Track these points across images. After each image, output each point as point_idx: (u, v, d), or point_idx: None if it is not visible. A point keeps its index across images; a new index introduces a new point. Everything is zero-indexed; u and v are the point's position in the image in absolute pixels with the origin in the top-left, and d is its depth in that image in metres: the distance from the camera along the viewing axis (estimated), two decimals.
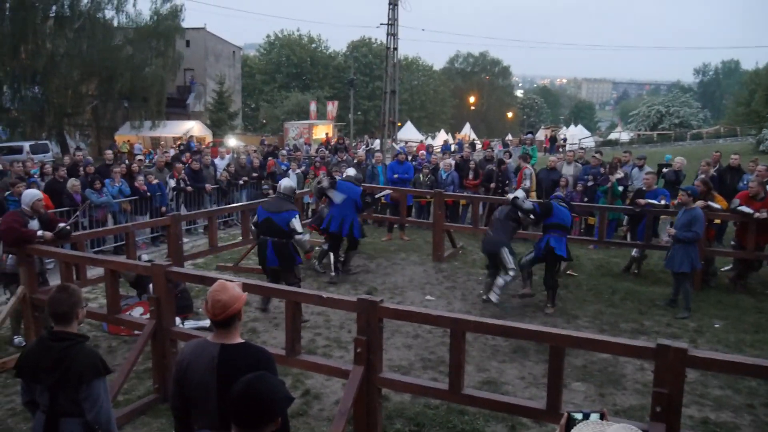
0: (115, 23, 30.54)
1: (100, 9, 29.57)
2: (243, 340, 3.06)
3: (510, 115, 74.89)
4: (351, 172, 10.21)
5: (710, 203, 9.21)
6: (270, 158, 16.78)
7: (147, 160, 22.08)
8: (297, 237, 7.77)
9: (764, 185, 9.19)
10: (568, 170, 13.38)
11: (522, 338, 4.71)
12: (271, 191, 14.60)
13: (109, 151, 13.61)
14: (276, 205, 7.89)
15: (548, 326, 5.15)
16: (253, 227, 8.14)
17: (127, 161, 15.78)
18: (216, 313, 3.00)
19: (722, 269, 10.10)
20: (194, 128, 35.42)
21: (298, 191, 10.22)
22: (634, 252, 10.22)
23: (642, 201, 9.87)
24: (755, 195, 9.09)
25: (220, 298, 3.00)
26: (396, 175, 13.10)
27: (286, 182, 8.24)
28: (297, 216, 7.82)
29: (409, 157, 14.76)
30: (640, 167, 12.68)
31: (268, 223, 7.74)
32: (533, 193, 12.59)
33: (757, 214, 8.90)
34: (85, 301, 3.68)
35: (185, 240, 10.51)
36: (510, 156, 14.98)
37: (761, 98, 40.81)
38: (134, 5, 37.77)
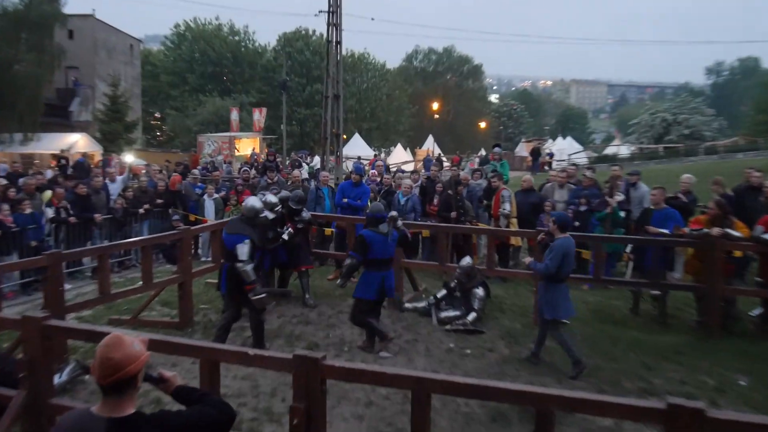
0: None
1: None
2: (135, 411, 3.02)
3: (483, 125, 76.34)
4: (248, 203, 9.39)
5: (728, 230, 9.56)
6: (174, 174, 16.67)
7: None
8: (237, 265, 8.48)
9: None
10: (561, 195, 13.67)
11: (502, 401, 4.76)
12: (177, 221, 14.48)
13: None
14: (233, 226, 8.87)
15: (534, 386, 5.22)
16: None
17: None
18: (104, 375, 2.96)
19: (749, 313, 10.31)
20: (79, 142, 34.84)
21: (217, 221, 10.25)
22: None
23: (653, 229, 10.16)
24: None
25: (112, 355, 2.96)
26: (345, 200, 13.04)
27: (251, 202, 9.11)
28: (246, 242, 8.54)
29: (367, 178, 14.75)
30: (633, 185, 13.07)
31: (223, 244, 8.83)
32: (514, 220, 12.83)
33: None
34: None
35: (67, 286, 10.28)
36: (481, 175, 15.22)
37: None
38: None
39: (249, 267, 8.53)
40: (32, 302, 11.35)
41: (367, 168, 22.73)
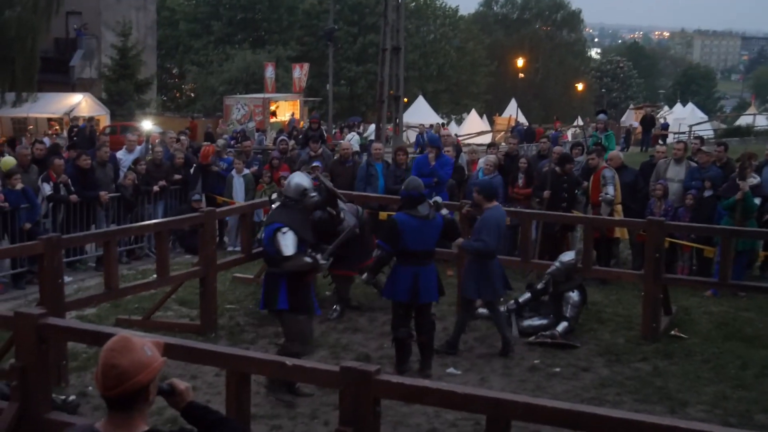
0: None
1: None
2: (149, 428, 3.07)
3: (580, 87, 75.39)
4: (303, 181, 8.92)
5: None
6: (206, 143, 16.82)
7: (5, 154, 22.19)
8: (286, 265, 7.93)
9: None
10: (676, 172, 13.46)
11: None
12: (201, 201, 14.69)
13: None
14: (270, 217, 8.47)
15: (641, 413, 5.18)
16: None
17: None
18: (109, 386, 2.99)
19: None
20: (82, 104, 35.62)
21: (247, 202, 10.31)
22: None
23: None
24: None
25: (117, 362, 2.99)
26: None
27: (296, 178, 8.58)
28: (284, 230, 7.96)
29: (448, 150, 14.71)
30: None
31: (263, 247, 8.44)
32: (619, 207, 12.70)
33: None
34: None
35: (67, 278, 10.52)
36: (583, 150, 15.13)
37: None
38: None
39: (305, 259, 8.07)
40: (25, 297, 11.63)
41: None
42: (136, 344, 3.07)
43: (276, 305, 8.04)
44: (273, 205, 9.00)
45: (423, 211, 8.57)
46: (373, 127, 28.94)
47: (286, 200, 8.36)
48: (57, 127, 31.56)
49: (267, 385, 7.83)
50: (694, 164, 13.52)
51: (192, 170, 15.91)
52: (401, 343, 8.78)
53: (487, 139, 39.19)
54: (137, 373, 2.99)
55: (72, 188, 13.46)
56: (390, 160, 14.87)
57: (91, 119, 31.28)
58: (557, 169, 13.17)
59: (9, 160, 13.73)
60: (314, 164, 14.10)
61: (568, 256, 10.44)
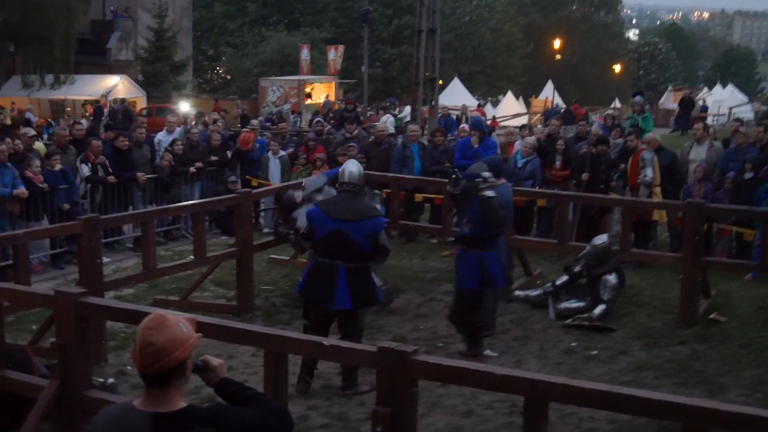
0: None
1: None
2: (187, 404, 3.09)
3: (617, 69, 74.67)
4: (353, 168, 8.60)
5: None
6: (247, 129, 16.88)
7: (45, 135, 22.42)
8: (380, 259, 8.31)
9: None
10: (696, 153, 13.45)
11: (639, 414, 4.71)
12: (237, 182, 14.75)
13: None
14: (349, 206, 7.92)
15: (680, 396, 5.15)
16: (298, 239, 8.76)
17: (14, 137, 16.04)
18: (146, 364, 3.02)
19: None
20: (119, 86, 35.87)
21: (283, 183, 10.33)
22: None
23: None
24: None
25: (153, 339, 3.02)
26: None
27: (353, 166, 8.29)
28: (383, 222, 8.20)
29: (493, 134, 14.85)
30: None
31: (339, 238, 7.73)
32: (657, 189, 12.61)
33: None
34: None
35: (105, 259, 10.65)
36: (621, 133, 15.03)
37: None
38: None
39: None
40: (63, 277, 11.78)
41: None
42: (171, 321, 3.10)
43: (376, 300, 8.23)
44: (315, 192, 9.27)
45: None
46: (408, 109, 28.83)
47: (349, 187, 8.07)
48: (90, 109, 31.81)
49: (342, 387, 7.86)
50: (718, 145, 13.48)
51: (230, 154, 16.02)
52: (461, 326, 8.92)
53: (523, 121, 39.02)
54: (174, 349, 3.02)
55: (110, 169, 13.58)
56: (426, 142, 14.86)
57: (123, 100, 31.47)
58: (595, 150, 13.10)
59: (39, 147, 13.90)
60: (349, 145, 14.14)
61: (600, 240, 10.36)
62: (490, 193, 8.36)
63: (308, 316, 8.19)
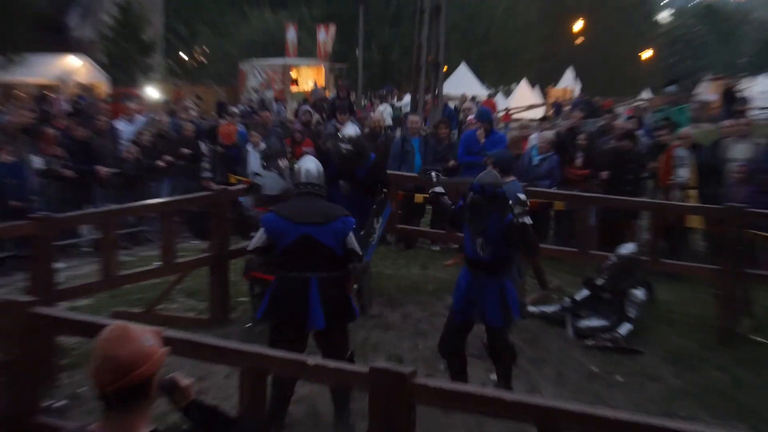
0: None
1: None
2: (152, 431, 3.09)
3: (647, 55, 74.83)
4: (350, 130, 10.58)
5: None
6: (224, 119, 16.84)
7: None
8: (354, 265, 7.90)
9: None
10: (739, 151, 13.44)
11: None
12: (212, 181, 14.71)
13: None
14: (313, 208, 7.85)
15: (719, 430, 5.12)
16: (253, 256, 8.12)
17: None
18: (106, 381, 3.02)
19: None
20: (79, 69, 35.82)
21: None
22: None
23: None
24: None
25: (115, 353, 3.02)
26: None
27: (310, 163, 8.15)
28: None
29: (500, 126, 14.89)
30: None
31: (308, 245, 7.64)
32: (693, 192, 12.60)
33: None
34: None
35: (60, 264, 10.55)
36: (641, 124, 15.04)
37: None
38: None
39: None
40: (11, 285, 11.68)
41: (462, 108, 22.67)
42: (135, 333, 3.10)
43: (352, 314, 7.96)
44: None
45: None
46: (408, 98, 28.83)
47: (308, 187, 8.01)
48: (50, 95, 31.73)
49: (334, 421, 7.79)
50: (765, 142, 13.51)
51: (204, 147, 16.00)
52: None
53: (539, 113, 38.99)
54: (138, 365, 3.01)
55: (68, 162, 13.54)
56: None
57: (89, 90, 31.35)
58: (620, 146, 13.08)
59: None
60: None
61: (626, 249, 10.35)
62: (528, 220, 7.90)
63: (278, 342, 7.93)
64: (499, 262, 8.18)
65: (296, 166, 8.32)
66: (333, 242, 7.60)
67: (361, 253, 7.95)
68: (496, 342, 8.34)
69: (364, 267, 9.36)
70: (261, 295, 9.43)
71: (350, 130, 10.58)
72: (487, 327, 8.34)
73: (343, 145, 10.35)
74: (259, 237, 7.77)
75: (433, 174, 8.75)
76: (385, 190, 10.57)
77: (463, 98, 29.31)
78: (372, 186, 10.71)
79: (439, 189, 8.65)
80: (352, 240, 7.74)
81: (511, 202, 7.91)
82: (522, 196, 7.96)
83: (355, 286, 9.59)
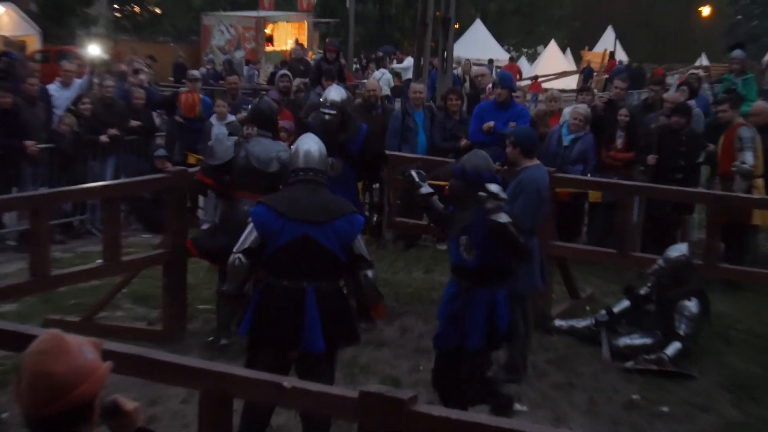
0: None
1: None
2: None
3: (705, 12, 74.66)
4: (333, 94, 10.78)
5: None
6: (186, 90, 16.78)
7: None
8: (368, 275, 7.73)
9: None
10: None
11: None
12: (162, 159, 14.69)
13: None
14: (314, 202, 7.72)
15: None
16: (241, 256, 7.96)
17: None
18: (40, 403, 3.02)
19: None
20: (2, 19, 35.72)
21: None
22: None
23: None
24: None
25: (50, 369, 3.02)
26: (489, 126, 13.41)
27: (311, 143, 8.02)
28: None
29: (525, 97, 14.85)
30: None
31: (306, 248, 7.55)
32: (760, 181, 12.58)
33: None
34: None
35: None
36: (694, 92, 15.03)
37: None
38: None
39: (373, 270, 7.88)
40: None
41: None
42: (72, 345, 3.10)
43: (356, 336, 8.00)
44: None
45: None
46: (410, 60, 28.83)
47: (311, 173, 7.85)
48: None
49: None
50: None
51: (165, 123, 16.00)
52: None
53: (571, 82, 38.94)
54: (78, 382, 3.02)
55: None
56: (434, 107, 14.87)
57: (22, 47, 31.25)
58: (670, 124, 13.08)
59: None
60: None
61: (677, 251, 10.33)
62: (503, 218, 7.73)
63: (255, 364, 7.81)
64: (489, 267, 8.07)
65: (293, 147, 8.19)
66: (336, 245, 7.48)
67: (371, 260, 7.77)
68: (471, 374, 8.17)
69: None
70: (232, 300, 9.52)
71: (334, 93, 10.59)
72: (465, 351, 8.13)
73: (326, 110, 10.44)
74: (247, 235, 7.60)
75: (413, 173, 8.46)
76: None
77: (467, 65, 28.90)
78: (370, 162, 10.78)
79: (425, 189, 8.39)
80: (360, 243, 7.64)
81: (480, 194, 7.74)
82: (494, 188, 7.76)
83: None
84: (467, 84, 23.75)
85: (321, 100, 11.05)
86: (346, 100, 10.94)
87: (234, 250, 7.73)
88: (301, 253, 7.38)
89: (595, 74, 37.65)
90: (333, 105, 10.56)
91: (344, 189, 9.79)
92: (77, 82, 17.07)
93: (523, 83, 31.57)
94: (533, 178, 8.92)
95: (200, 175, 10.21)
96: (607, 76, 30.08)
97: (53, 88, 16.55)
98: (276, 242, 7.44)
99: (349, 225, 7.58)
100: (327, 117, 10.46)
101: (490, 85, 18.58)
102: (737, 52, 17.32)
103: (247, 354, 7.82)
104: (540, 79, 36.27)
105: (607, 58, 43.13)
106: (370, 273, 7.66)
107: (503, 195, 7.85)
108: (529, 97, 19.48)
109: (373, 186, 10.33)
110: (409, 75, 25.14)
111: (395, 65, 31.49)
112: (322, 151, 7.88)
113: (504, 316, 8.12)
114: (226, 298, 9.72)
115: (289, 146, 9.56)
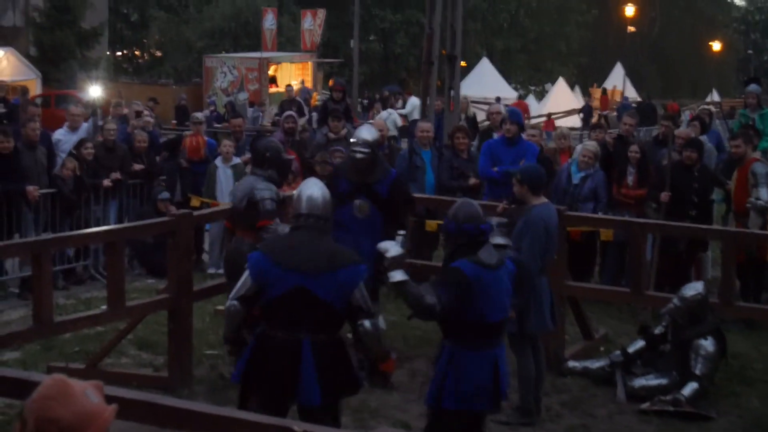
0: None
1: None
2: None
3: (717, 47, 74.91)
4: (365, 133, 10.84)
5: None
6: (190, 133, 16.81)
7: None
8: (365, 326, 7.52)
9: None
10: None
11: None
12: (165, 202, 14.71)
13: None
14: (314, 250, 7.59)
15: None
16: (236, 303, 7.86)
17: None
18: None
19: None
20: (2, 63, 35.85)
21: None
22: None
23: None
24: None
25: (56, 414, 3.00)
26: (497, 168, 13.40)
27: (315, 189, 7.87)
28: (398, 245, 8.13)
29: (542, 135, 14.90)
30: None
31: (302, 300, 7.44)
32: None
33: None
34: None
35: None
36: (705, 127, 15.04)
37: None
38: None
39: (381, 321, 8.08)
40: None
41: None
42: (76, 389, 3.08)
43: (357, 385, 7.81)
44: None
45: (488, 258, 7.87)
46: (416, 100, 28.86)
47: (311, 219, 7.71)
48: None
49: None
50: None
51: (165, 165, 16.02)
52: None
53: (578, 120, 39.08)
54: (84, 426, 3.00)
55: None
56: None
57: (25, 91, 31.33)
58: (683, 159, 13.08)
59: None
60: (335, 149, 14.12)
61: (692, 290, 10.30)
62: (398, 276, 7.76)
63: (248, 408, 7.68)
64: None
65: (296, 191, 8.04)
66: (333, 296, 7.34)
67: (371, 311, 7.60)
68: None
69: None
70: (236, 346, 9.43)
71: (366, 133, 10.59)
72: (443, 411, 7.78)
73: (359, 149, 10.47)
74: (243, 283, 7.52)
75: (391, 248, 8.02)
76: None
77: (465, 103, 28.71)
78: (399, 207, 10.79)
79: (399, 277, 7.83)
80: (360, 294, 7.44)
81: (379, 246, 7.90)
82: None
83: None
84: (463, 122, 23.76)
85: (352, 139, 11.04)
86: (378, 139, 10.98)
87: (230, 296, 7.76)
88: (296, 305, 7.29)
89: (598, 112, 37.85)
90: (365, 144, 10.61)
91: (371, 232, 9.82)
92: (84, 126, 17.17)
93: (532, 121, 31.65)
94: (541, 217, 8.96)
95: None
96: (614, 113, 30.22)
97: (61, 132, 16.69)
98: (271, 293, 7.36)
99: (351, 276, 7.42)
100: (359, 156, 10.52)
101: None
102: (753, 87, 17.32)
103: (239, 400, 7.79)
104: (553, 117, 36.51)
105: (618, 96, 43.35)
106: (367, 324, 7.44)
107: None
108: (544, 135, 19.46)
109: (398, 233, 10.07)
110: (415, 116, 25.21)
111: (399, 110, 31.44)
112: (326, 197, 7.73)
113: (505, 376, 7.96)
114: (227, 344, 9.67)
115: (295, 187, 9.60)
